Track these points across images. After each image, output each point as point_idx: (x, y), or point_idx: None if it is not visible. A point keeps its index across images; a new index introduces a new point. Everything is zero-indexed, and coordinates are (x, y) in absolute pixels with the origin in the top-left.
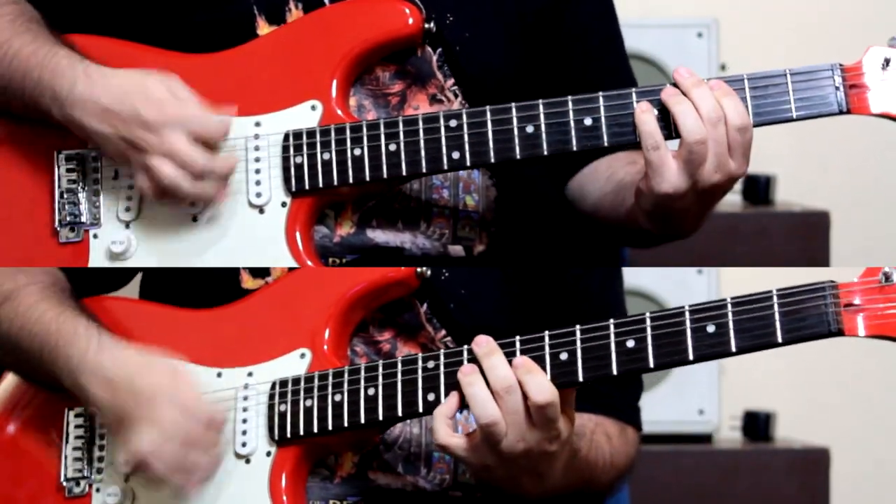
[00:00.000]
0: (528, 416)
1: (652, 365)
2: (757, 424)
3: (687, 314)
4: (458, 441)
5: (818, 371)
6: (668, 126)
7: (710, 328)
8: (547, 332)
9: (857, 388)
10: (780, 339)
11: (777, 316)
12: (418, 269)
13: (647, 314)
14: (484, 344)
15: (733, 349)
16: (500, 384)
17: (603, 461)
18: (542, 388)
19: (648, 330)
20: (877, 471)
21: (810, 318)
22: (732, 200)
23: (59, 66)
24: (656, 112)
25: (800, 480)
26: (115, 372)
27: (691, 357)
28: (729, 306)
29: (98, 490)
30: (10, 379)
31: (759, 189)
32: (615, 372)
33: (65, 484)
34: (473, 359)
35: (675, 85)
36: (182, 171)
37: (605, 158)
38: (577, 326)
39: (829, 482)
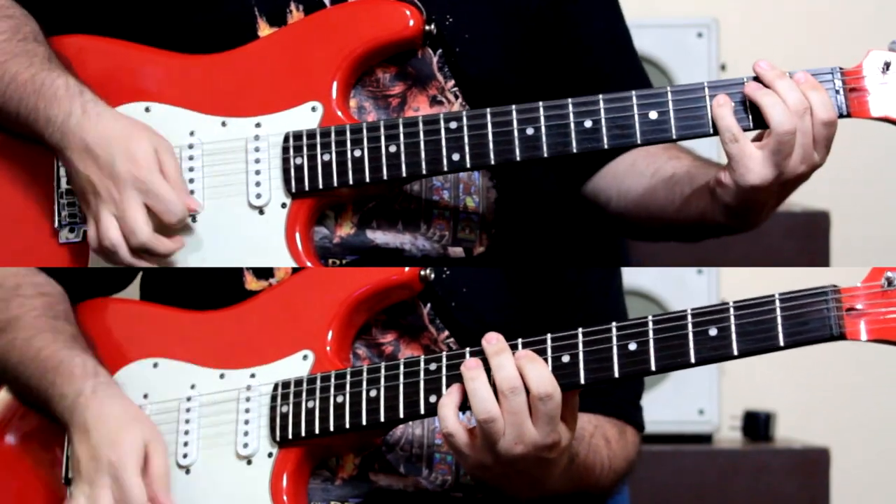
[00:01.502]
0: (529, 417)
1: (653, 368)
2: (757, 424)
3: (689, 317)
4: (462, 431)
5: (818, 371)
6: (748, 118)
7: (713, 331)
8: (549, 335)
9: (857, 388)
10: (781, 343)
11: (779, 320)
12: (422, 272)
13: (650, 317)
14: (494, 342)
15: (735, 353)
16: (506, 384)
17: (601, 465)
18: (543, 379)
19: (650, 333)
20: (877, 471)
21: (812, 322)
22: None
23: (56, 94)
24: (732, 104)
25: (800, 480)
26: (94, 426)
27: (693, 360)
28: (731, 310)
29: None
30: None
31: None
32: (617, 375)
33: (66, 485)
34: (478, 352)
35: (755, 78)
36: (122, 240)
37: (639, 154)
38: (580, 329)
39: (829, 482)
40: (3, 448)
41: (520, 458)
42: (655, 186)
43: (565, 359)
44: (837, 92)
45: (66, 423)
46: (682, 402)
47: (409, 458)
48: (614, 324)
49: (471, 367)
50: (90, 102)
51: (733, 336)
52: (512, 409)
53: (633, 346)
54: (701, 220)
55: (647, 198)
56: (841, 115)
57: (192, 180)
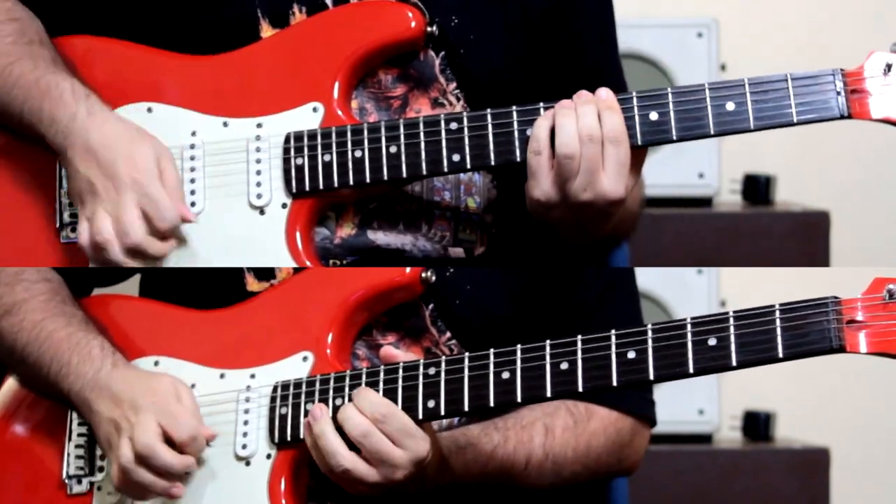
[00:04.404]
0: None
1: (652, 377)
2: (757, 424)
3: (688, 326)
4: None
5: (818, 371)
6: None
7: (712, 341)
8: (548, 342)
9: (857, 388)
10: (781, 355)
11: (779, 331)
12: (423, 274)
13: (649, 326)
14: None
15: (734, 363)
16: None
17: (528, 455)
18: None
19: (650, 342)
20: (877, 471)
21: (812, 334)
22: (732, 200)
23: (62, 97)
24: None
25: (800, 480)
26: (121, 388)
27: (692, 370)
28: (731, 320)
29: (99, 488)
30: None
31: (759, 189)
32: (615, 383)
33: (66, 481)
34: (479, 356)
35: None
36: (117, 237)
37: None
38: (579, 336)
39: (829, 482)
40: (7, 440)
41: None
42: None
43: (564, 366)
44: (839, 93)
45: (85, 401)
46: (682, 402)
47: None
48: (613, 332)
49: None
50: (96, 105)
51: (732, 347)
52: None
53: (631, 355)
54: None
55: None
56: (842, 117)
57: (193, 180)
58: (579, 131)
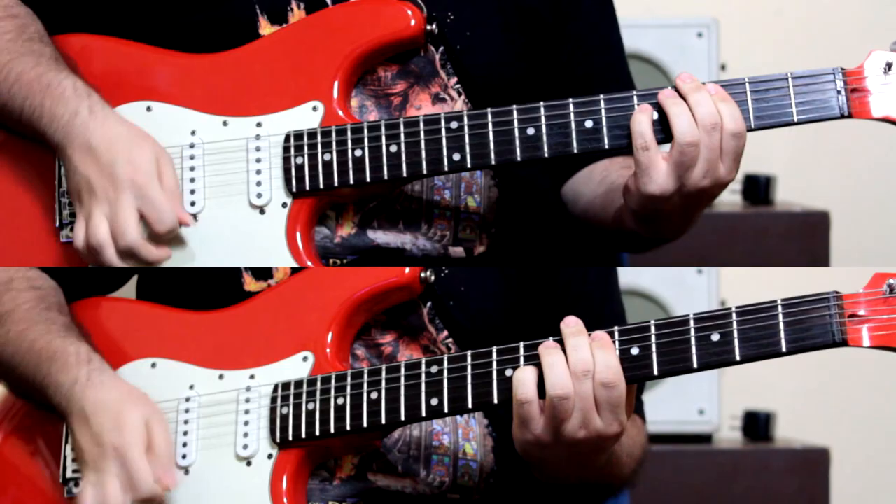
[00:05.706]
0: (596, 405)
1: (656, 372)
2: (757, 424)
3: (691, 322)
4: (536, 402)
5: (818, 371)
6: (666, 130)
7: (715, 336)
8: (551, 339)
9: (857, 388)
10: (784, 349)
11: (781, 326)
12: (422, 274)
13: (652, 322)
14: (573, 325)
15: (738, 358)
16: (580, 366)
17: (626, 454)
18: (609, 367)
19: (653, 338)
20: (877, 471)
21: (815, 329)
22: (732, 200)
23: (63, 94)
24: (655, 115)
25: (800, 480)
26: (93, 413)
27: (696, 365)
28: (734, 315)
29: None
30: None
31: (759, 189)
32: None
33: (64, 484)
34: (481, 354)
35: (676, 88)
36: (113, 238)
37: (602, 162)
38: None
39: (829, 482)
40: (5, 444)
41: (580, 442)
42: (598, 193)
43: None
44: (839, 92)
45: (64, 413)
46: (682, 402)
47: (407, 459)
48: (616, 328)
49: (549, 346)
50: (98, 104)
51: (736, 342)
52: (582, 392)
53: (635, 351)
54: (621, 226)
55: (591, 204)
56: (843, 116)
57: (192, 180)
58: (699, 119)
